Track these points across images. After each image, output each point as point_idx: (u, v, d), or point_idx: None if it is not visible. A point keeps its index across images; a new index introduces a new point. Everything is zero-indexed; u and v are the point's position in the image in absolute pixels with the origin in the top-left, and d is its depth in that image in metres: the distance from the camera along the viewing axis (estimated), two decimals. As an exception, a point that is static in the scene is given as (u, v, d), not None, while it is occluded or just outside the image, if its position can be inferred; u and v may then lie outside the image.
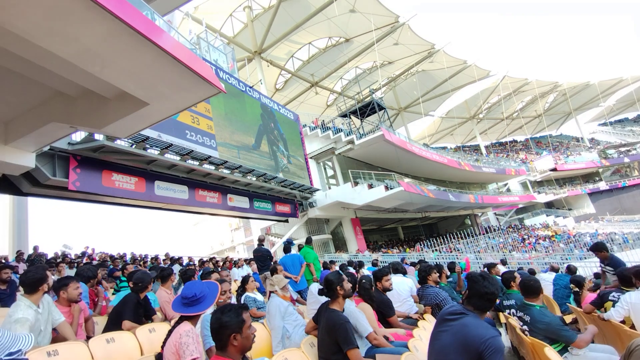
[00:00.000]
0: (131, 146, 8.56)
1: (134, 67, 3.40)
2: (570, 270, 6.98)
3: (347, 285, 2.96)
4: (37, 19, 2.64)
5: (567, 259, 16.78)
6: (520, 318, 3.05)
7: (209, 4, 20.84)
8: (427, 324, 3.69)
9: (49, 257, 10.05)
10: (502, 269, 7.99)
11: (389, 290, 4.12)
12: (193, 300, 2.29)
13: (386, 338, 3.15)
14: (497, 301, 4.61)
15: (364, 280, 3.70)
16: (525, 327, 2.96)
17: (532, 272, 8.20)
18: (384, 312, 3.83)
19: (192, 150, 9.90)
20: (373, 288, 3.80)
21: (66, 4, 2.54)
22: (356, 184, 17.49)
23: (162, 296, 4.31)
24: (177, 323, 2.27)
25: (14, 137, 4.94)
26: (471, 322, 1.93)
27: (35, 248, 10.00)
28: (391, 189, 16.58)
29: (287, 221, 17.49)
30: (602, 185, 39.19)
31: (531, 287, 3.04)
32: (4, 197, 11.83)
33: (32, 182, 7.65)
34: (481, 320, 1.96)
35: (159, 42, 3.05)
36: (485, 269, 7.61)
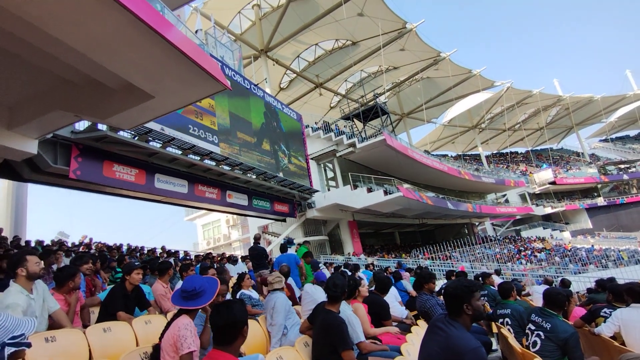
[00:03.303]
0: (134, 138, 8.57)
1: (141, 60, 3.41)
2: (564, 283, 7.03)
3: None
4: (49, 7, 2.66)
5: (560, 273, 16.85)
6: (534, 322, 3.07)
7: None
8: (420, 330, 3.71)
9: (44, 243, 10.00)
10: (496, 279, 8.02)
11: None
12: (193, 294, 2.32)
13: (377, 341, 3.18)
14: (490, 310, 4.63)
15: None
16: (540, 332, 2.98)
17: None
18: (381, 315, 3.85)
19: (194, 145, 9.91)
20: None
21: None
22: (355, 187, 17.48)
23: (158, 289, 4.29)
24: (176, 316, 2.29)
25: (18, 123, 4.94)
26: (454, 334, 1.93)
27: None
28: (390, 194, 16.58)
29: (284, 220, 17.48)
30: (600, 201, 39.28)
31: (556, 299, 3.11)
32: (3, 182, 11.79)
33: (33, 169, 7.64)
34: (465, 331, 1.95)
35: (168, 36, 3.06)
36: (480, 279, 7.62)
